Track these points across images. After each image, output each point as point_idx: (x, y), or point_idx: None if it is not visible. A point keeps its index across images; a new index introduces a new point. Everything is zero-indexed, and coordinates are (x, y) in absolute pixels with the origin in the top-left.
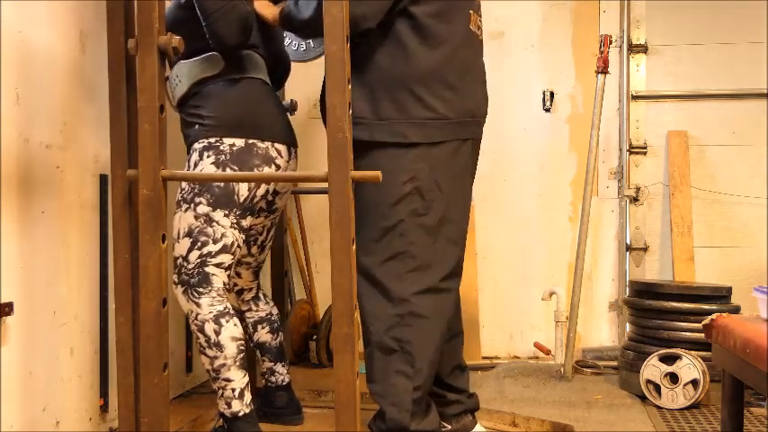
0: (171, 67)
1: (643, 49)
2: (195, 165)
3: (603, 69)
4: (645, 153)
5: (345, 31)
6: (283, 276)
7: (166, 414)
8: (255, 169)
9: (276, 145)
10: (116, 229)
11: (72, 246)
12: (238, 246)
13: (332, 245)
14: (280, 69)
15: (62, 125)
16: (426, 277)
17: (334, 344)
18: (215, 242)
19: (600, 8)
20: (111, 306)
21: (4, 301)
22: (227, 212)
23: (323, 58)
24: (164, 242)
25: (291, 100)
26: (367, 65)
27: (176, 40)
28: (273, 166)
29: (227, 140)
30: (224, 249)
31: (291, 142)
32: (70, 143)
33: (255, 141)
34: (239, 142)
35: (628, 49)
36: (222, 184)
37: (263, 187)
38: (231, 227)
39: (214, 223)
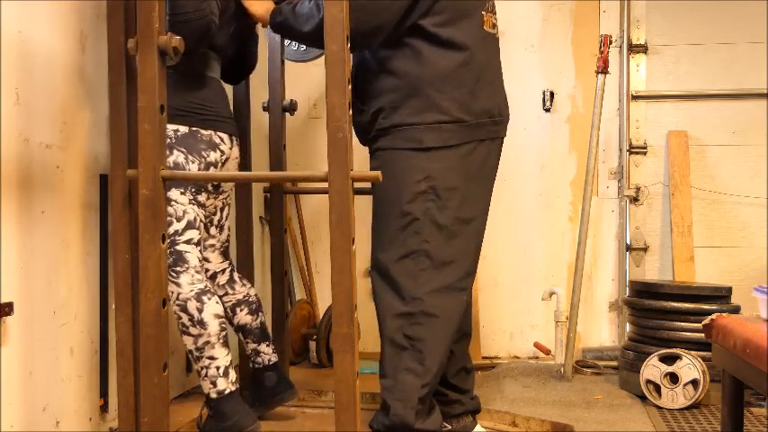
0: None
1: (643, 49)
2: None
3: (603, 69)
4: (645, 153)
5: (345, 31)
6: (283, 276)
7: (166, 414)
8: (203, 152)
9: (218, 133)
10: (116, 229)
11: (72, 246)
12: (201, 221)
13: (332, 245)
14: (242, 68)
15: (62, 125)
16: (440, 276)
17: (334, 344)
18: (179, 220)
19: (600, 8)
20: (111, 306)
21: (4, 301)
22: (182, 190)
23: (323, 58)
24: (163, 242)
25: (291, 100)
26: (384, 74)
27: (176, 40)
28: (218, 151)
29: (171, 126)
30: (189, 225)
31: (233, 132)
32: (70, 143)
33: (198, 129)
34: (183, 129)
35: (628, 49)
36: (171, 164)
37: (211, 169)
38: (190, 203)
39: (173, 202)
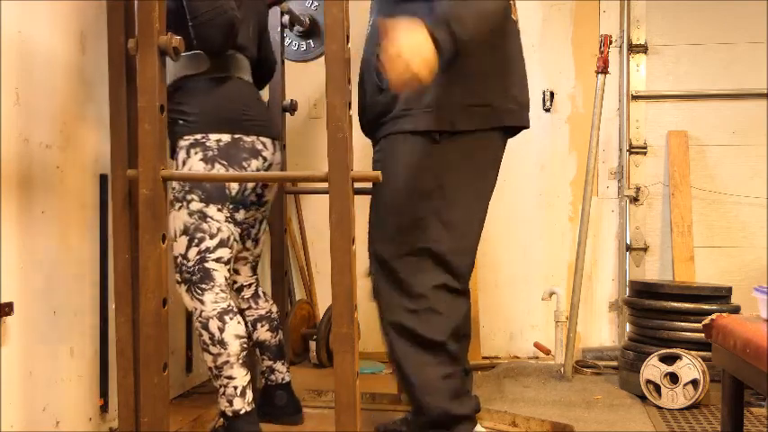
0: None
1: (643, 49)
2: (184, 162)
3: (603, 69)
4: (645, 153)
5: (345, 31)
6: (283, 276)
7: (166, 414)
8: (244, 162)
9: (261, 138)
10: (116, 229)
11: (72, 246)
12: (235, 240)
13: (332, 245)
14: (264, 69)
15: (62, 125)
16: (444, 275)
17: (334, 344)
18: (212, 237)
19: (600, 8)
20: (111, 306)
21: (4, 301)
22: (219, 207)
23: (323, 58)
24: (164, 242)
25: (291, 100)
26: None
27: (176, 40)
28: (260, 158)
29: (213, 136)
30: (221, 244)
31: (275, 136)
32: (70, 143)
33: (241, 136)
34: (225, 137)
35: (628, 49)
36: None
37: None
38: (226, 221)
39: (209, 219)
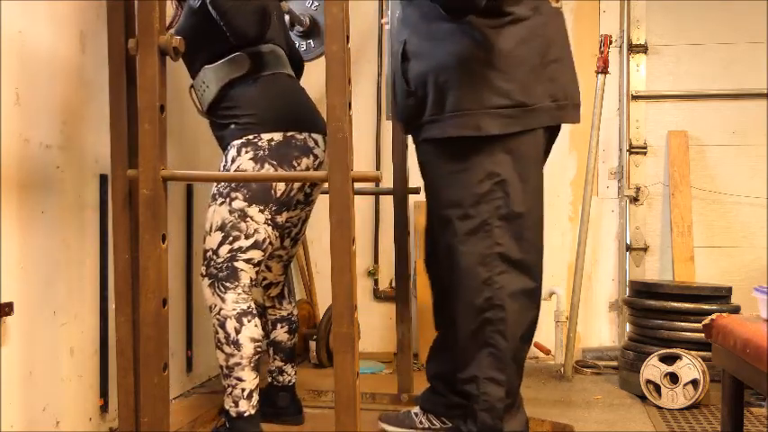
0: (195, 73)
1: (643, 49)
2: (233, 160)
3: (603, 69)
4: (645, 153)
5: (345, 31)
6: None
7: (166, 414)
8: (294, 161)
9: (313, 135)
10: (116, 229)
11: (72, 246)
12: (270, 243)
13: (332, 245)
14: (294, 63)
15: (62, 125)
16: (520, 277)
17: (334, 344)
18: (247, 238)
19: (600, 8)
20: (111, 306)
21: (4, 301)
22: (262, 208)
23: (323, 58)
24: (164, 242)
25: None
26: (433, 52)
27: (176, 40)
28: (312, 156)
29: (266, 136)
30: (255, 245)
31: (325, 132)
32: (70, 143)
33: (294, 133)
34: (277, 136)
35: (628, 49)
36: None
37: None
38: (265, 223)
39: (248, 219)
